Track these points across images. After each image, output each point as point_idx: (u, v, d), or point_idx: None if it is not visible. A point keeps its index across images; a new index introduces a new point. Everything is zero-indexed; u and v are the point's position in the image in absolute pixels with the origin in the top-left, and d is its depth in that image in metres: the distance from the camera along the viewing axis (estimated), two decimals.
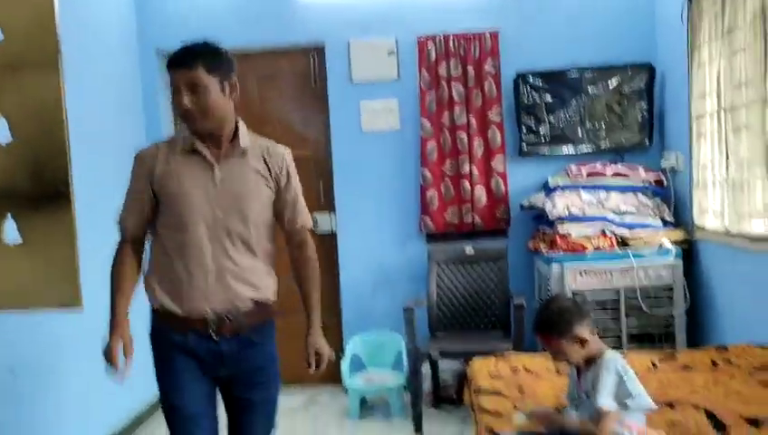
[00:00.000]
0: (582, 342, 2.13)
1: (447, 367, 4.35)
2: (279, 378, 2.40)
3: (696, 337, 3.99)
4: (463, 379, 3.18)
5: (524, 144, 4.49)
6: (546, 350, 2.21)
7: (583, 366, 2.18)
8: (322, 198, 4.70)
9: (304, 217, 2.35)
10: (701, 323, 4.01)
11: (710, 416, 2.35)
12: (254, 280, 2.21)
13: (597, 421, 2.03)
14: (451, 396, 4.24)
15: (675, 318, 3.96)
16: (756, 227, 3.40)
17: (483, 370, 2.96)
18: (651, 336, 4.00)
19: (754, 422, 2.28)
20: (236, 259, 2.16)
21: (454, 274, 4.38)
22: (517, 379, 2.85)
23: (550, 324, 2.18)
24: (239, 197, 2.16)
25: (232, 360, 2.20)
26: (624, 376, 2.07)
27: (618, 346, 3.93)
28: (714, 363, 2.90)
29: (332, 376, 4.58)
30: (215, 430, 2.26)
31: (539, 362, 3.00)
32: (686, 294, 3.97)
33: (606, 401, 2.04)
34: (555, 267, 3.98)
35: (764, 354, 2.86)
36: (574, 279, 3.94)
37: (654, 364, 2.94)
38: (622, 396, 2.05)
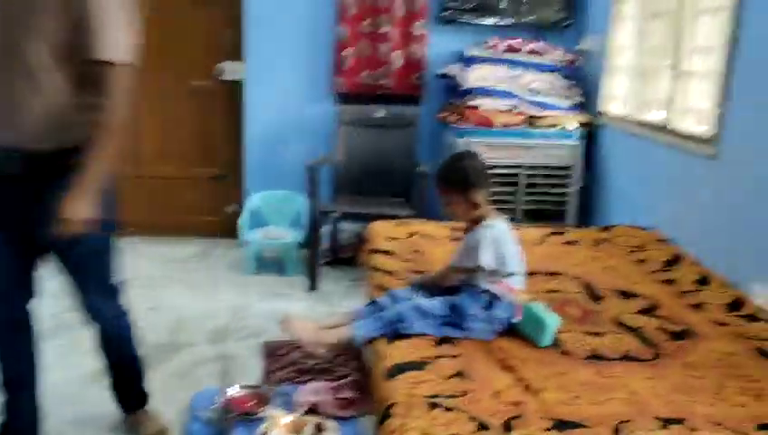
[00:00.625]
0: (475, 205, 2.17)
1: (347, 229, 4.39)
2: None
3: (587, 217, 4.19)
4: (361, 241, 3.21)
5: (446, 10, 4.35)
6: (441, 197, 2.24)
7: (469, 227, 2.24)
8: (231, 47, 4.45)
9: (104, 45, 1.76)
10: (593, 204, 4.20)
11: (587, 287, 2.51)
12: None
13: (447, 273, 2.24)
14: (348, 257, 4.31)
15: (568, 197, 4.13)
16: (654, 116, 3.50)
17: (381, 232, 3.00)
18: (545, 213, 4.17)
19: (625, 294, 2.45)
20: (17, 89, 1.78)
21: (362, 137, 4.33)
22: (413, 242, 2.91)
23: (453, 178, 2.20)
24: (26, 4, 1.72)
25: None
26: (501, 239, 2.15)
27: (512, 220, 4.08)
28: (597, 241, 3.05)
29: (228, 230, 4.57)
30: None
31: (437, 228, 3.06)
32: (582, 175, 4.11)
33: (485, 258, 2.12)
34: (462, 139, 4.00)
35: (643, 236, 3.03)
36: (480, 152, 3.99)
37: (542, 239, 3.06)
38: (498, 258, 2.14)
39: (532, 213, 4.15)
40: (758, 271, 2.53)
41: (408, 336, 2.03)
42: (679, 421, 1.64)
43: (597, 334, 2.12)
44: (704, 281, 2.53)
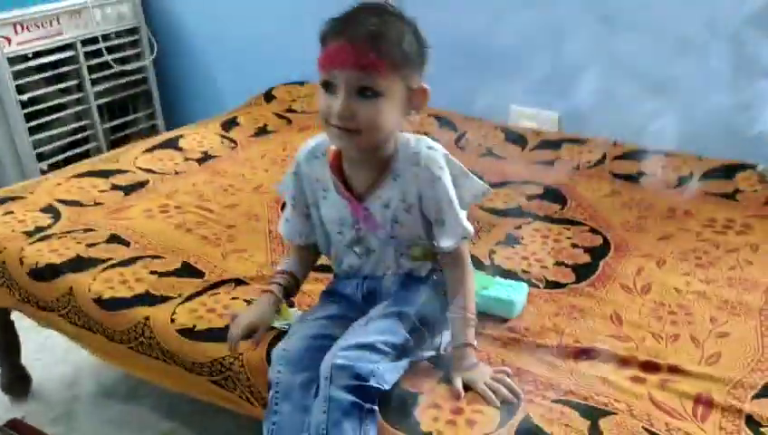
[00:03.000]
0: (417, 104, 1.12)
1: None
2: None
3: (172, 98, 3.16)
4: None
5: None
6: (346, 79, 1.06)
7: (365, 167, 1.18)
8: None
9: None
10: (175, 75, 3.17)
11: None
12: None
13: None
14: None
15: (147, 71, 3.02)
16: None
17: None
18: (125, 104, 3.01)
19: None
20: None
21: None
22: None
23: (402, 47, 1.07)
24: None
25: None
26: (462, 168, 1.19)
27: (86, 130, 2.83)
28: None
29: None
30: None
31: None
32: (150, 38, 3.01)
33: (467, 224, 1.17)
34: None
35: None
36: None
37: None
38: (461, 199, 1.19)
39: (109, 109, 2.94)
40: None
41: None
42: None
43: None
44: None
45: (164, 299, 1.42)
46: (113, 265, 1.53)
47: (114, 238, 1.65)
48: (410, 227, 1.18)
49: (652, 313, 1.33)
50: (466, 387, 1.13)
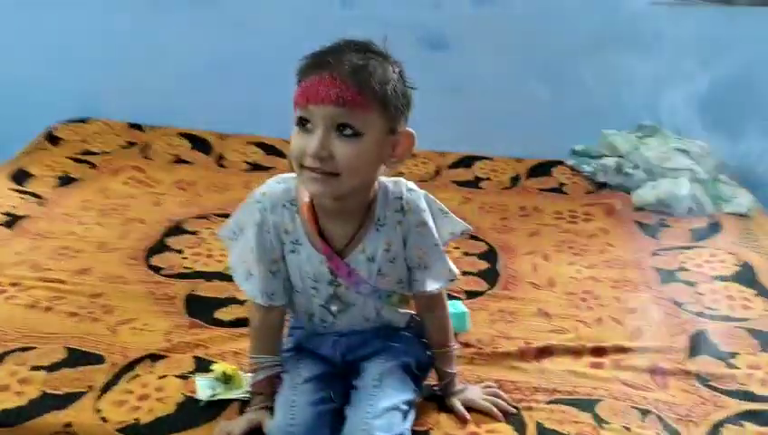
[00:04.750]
0: (400, 151, 1.04)
1: None
2: None
3: None
4: None
5: None
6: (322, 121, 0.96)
7: (343, 217, 1.07)
8: None
9: None
10: None
11: None
12: None
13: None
14: None
15: None
16: None
17: None
18: None
19: None
20: None
21: None
22: None
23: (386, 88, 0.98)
24: None
25: None
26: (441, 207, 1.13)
27: None
28: None
29: None
30: None
31: None
32: None
33: (452, 266, 1.13)
34: None
35: None
36: None
37: None
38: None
39: None
40: None
41: None
42: None
43: None
44: None
45: (74, 397, 1.15)
46: None
47: None
48: (393, 277, 1.11)
49: (568, 303, 1.46)
50: (467, 409, 1.13)
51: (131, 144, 2.25)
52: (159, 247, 1.67)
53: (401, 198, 1.08)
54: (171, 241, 1.71)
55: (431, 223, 1.10)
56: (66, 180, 2.00)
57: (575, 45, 2.07)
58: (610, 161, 2.04)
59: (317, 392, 1.07)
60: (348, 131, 0.96)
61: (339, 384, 1.11)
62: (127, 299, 1.45)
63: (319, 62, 0.97)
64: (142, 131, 2.32)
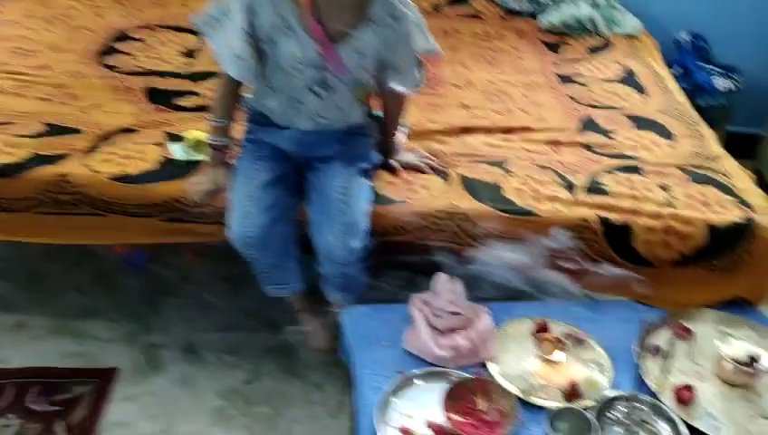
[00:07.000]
0: None
1: None
2: None
3: None
4: None
5: None
6: None
7: (340, 8, 1.20)
8: None
9: None
10: None
11: None
12: None
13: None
14: None
15: None
16: None
17: None
18: None
19: None
20: None
21: None
22: None
23: None
24: None
25: None
26: (425, 24, 1.32)
27: None
28: None
29: None
30: None
31: None
32: None
33: (420, 75, 1.35)
34: None
35: None
36: None
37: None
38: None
39: None
40: None
41: None
42: None
43: None
44: None
45: (61, 157, 1.31)
46: None
47: None
48: (369, 72, 1.27)
49: (485, 98, 1.71)
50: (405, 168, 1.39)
51: None
52: (110, 51, 1.78)
53: (396, 6, 1.22)
54: (120, 45, 1.81)
55: (415, 35, 1.27)
56: None
57: None
58: None
59: (272, 199, 1.24)
60: None
61: (293, 183, 1.30)
62: (90, 89, 1.58)
63: None
64: None
